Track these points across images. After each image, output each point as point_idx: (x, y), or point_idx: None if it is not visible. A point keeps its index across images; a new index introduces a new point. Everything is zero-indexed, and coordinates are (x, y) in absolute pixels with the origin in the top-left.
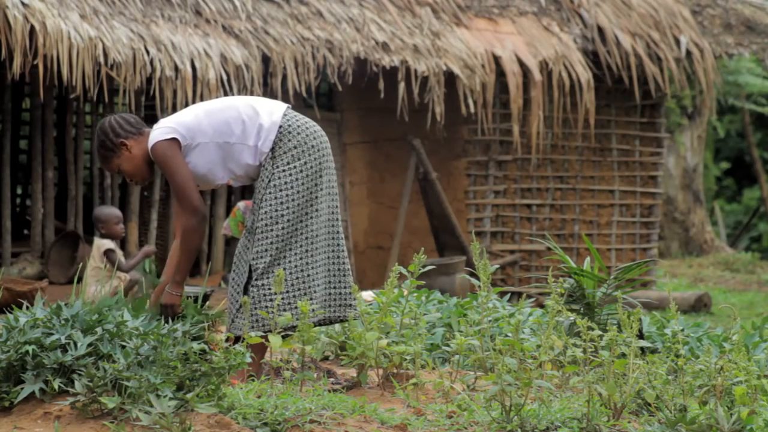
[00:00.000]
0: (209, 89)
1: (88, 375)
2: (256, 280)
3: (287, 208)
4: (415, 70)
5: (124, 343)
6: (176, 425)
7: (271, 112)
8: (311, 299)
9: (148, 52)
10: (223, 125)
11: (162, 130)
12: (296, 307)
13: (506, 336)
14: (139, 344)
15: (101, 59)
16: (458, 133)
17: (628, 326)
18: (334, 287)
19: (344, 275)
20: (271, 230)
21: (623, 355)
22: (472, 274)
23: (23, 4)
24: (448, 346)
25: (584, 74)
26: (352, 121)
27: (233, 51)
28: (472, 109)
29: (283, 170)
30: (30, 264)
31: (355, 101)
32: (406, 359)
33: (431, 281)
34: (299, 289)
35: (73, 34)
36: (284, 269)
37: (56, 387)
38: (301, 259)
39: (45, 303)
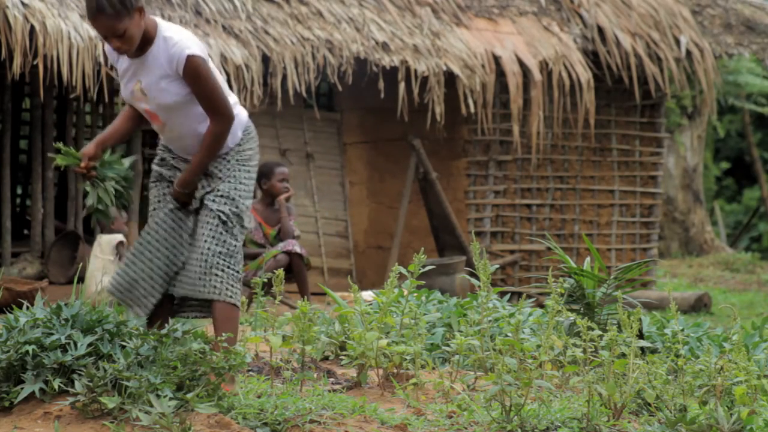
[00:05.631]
0: None
1: (88, 375)
2: (209, 246)
3: (243, 203)
4: (415, 70)
5: (124, 343)
6: (176, 425)
7: (241, 110)
8: None
9: None
10: None
11: (195, 43)
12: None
13: (506, 336)
14: (139, 344)
15: (101, 59)
16: (458, 133)
17: (628, 326)
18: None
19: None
20: (225, 204)
21: (623, 355)
22: (472, 274)
23: (23, 4)
24: (448, 346)
25: (584, 74)
26: (352, 121)
27: (233, 51)
28: (472, 109)
29: (244, 165)
30: (30, 264)
31: (355, 101)
32: (406, 359)
33: (431, 281)
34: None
35: (73, 34)
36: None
37: (56, 387)
38: (237, 245)
39: (45, 303)
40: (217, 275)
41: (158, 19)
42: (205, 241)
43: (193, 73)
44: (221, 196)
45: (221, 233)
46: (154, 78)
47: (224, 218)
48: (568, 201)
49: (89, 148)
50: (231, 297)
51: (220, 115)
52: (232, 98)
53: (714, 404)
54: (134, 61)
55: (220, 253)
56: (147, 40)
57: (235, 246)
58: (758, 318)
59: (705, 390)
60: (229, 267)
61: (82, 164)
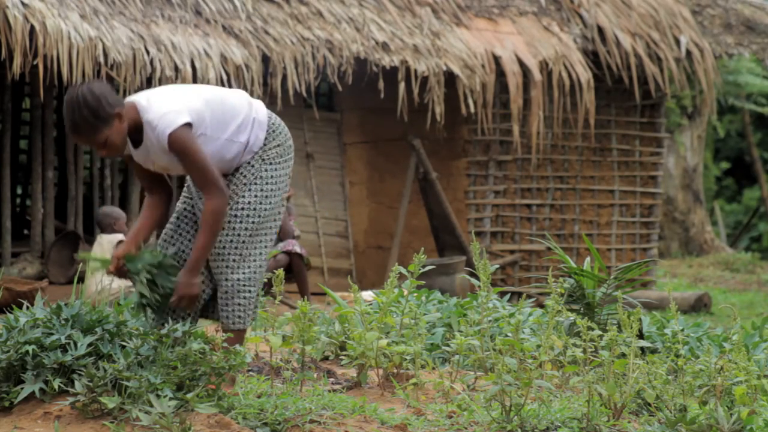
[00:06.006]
0: None
1: (88, 375)
2: (232, 272)
3: (270, 202)
4: (415, 70)
5: (124, 343)
6: (176, 425)
7: (258, 108)
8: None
9: (148, 52)
10: (221, 119)
11: (174, 114)
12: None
13: (506, 336)
14: (139, 344)
15: (101, 59)
16: (458, 133)
17: (628, 326)
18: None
19: None
20: (248, 217)
21: (623, 355)
22: (472, 274)
23: (23, 4)
24: (448, 346)
25: (584, 74)
26: (352, 121)
27: (233, 51)
28: (472, 109)
29: (271, 164)
30: (30, 264)
31: (355, 101)
32: (406, 359)
33: (431, 281)
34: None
35: (73, 34)
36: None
37: (56, 387)
38: (262, 256)
39: (45, 303)
40: (239, 304)
41: (137, 101)
42: (228, 267)
43: (178, 148)
44: (242, 208)
45: (242, 256)
46: (163, 158)
47: (245, 237)
48: (568, 201)
49: (119, 249)
50: (253, 322)
51: (210, 190)
52: (254, 101)
53: (714, 404)
54: (139, 150)
55: (240, 279)
56: (138, 128)
57: (257, 265)
58: (758, 318)
59: (705, 390)
60: (249, 292)
61: (111, 267)
